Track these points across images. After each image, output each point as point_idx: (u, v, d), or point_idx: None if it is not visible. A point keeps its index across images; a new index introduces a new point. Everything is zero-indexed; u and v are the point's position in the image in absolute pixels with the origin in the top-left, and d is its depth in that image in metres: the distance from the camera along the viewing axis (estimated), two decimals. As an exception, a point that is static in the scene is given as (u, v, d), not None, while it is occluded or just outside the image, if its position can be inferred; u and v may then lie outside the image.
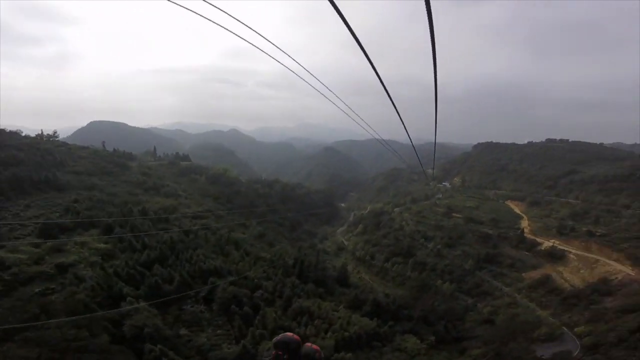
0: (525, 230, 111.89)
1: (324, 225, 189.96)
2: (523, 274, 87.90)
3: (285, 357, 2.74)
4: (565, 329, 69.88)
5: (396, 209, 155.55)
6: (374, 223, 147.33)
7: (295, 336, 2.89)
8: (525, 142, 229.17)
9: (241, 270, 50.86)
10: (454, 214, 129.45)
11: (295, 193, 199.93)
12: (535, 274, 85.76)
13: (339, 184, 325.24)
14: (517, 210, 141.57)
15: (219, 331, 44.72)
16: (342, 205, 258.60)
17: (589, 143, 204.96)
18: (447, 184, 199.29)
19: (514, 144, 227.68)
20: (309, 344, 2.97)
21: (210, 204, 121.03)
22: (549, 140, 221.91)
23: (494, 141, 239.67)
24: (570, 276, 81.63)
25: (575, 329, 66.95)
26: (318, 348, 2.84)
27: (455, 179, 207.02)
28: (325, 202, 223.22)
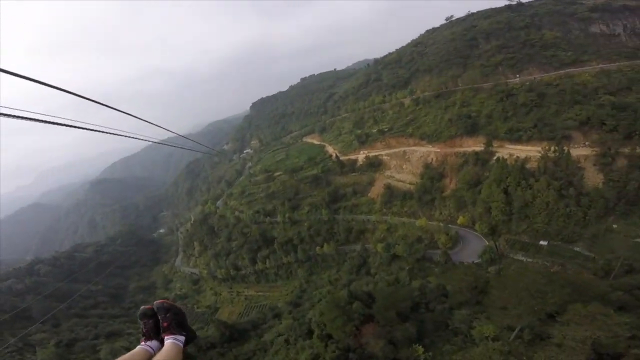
0: (336, 154, 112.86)
1: (155, 267, 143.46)
2: (369, 195, 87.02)
3: (150, 322, 3.09)
4: (452, 226, 71.38)
5: (218, 203, 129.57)
6: (207, 232, 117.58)
7: (148, 306, 3.21)
8: (287, 87, 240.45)
9: None
10: (275, 174, 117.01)
11: (76, 260, 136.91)
12: (376, 190, 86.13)
13: (140, 213, 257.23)
14: (316, 142, 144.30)
15: None
16: (161, 231, 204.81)
17: (329, 71, 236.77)
18: (248, 150, 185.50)
19: (280, 92, 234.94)
20: (158, 301, 3.29)
21: None
22: (303, 79, 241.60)
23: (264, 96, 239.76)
24: (401, 175, 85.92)
25: (458, 222, 69.08)
26: (164, 299, 3.23)
27: (252, 142, 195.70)
28: (134, 242, 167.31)
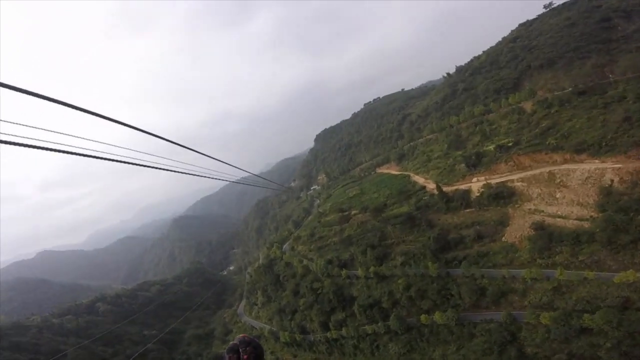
0: (430, 185, 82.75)
1: (218, 311, 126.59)
2: (503, 239, 54.63)
3: (235, 356, 3.29)
4: None
5: (285, 247, 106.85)
6: (272, 281, 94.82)
7: (235, 341, 3.44)
8: (351, 115, 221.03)
9: None
10: (352, 214, 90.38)
11: (138, 300, 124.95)
12: (516, 231, 53.41)
13: (213, 249, 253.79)
14: (394, 172, 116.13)
15: None
16: (231, 268, 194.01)
17: (397, 92, 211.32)
18: (315, 186, 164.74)
19: (343, 121, 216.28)
20: (240, 335, 3.55)
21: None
22: (366, 105, 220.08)
23: (327, 127, 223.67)
24: (556, 208, 52.34)
25: None
26: (244, 334, 3.48)
27: (319, 177, 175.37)
28: (200, 281, 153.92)
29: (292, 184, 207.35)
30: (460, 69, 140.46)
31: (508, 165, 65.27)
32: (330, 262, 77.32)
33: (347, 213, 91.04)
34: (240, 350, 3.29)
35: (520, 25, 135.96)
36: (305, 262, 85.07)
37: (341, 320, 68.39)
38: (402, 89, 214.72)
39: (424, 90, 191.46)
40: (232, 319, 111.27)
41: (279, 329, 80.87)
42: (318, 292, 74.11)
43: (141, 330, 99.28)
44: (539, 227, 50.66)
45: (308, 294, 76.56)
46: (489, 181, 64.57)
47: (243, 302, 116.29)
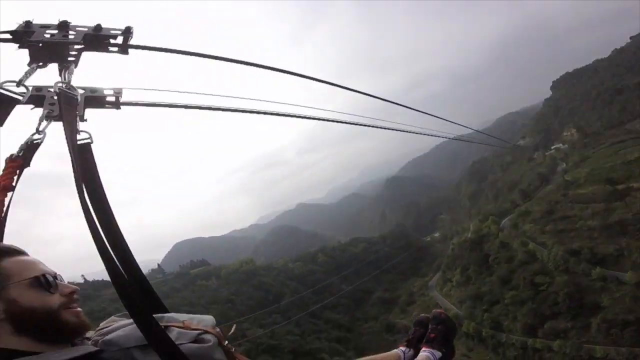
0: None
1: (411, 278, 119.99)
2: None
3: (421, 330, 2.72)
4: None
5: (503, 223, 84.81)
6: (477, 261, 79.18)
7: (427, 315, 2.82)
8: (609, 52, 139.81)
9: None
10: (630, 187, 56.36)
11: (347, 254, 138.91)
12: None
13: (420, 212, 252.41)
14: None
15: None
16: (436, 235, 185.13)
17: None
18: (560, 145, 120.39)
19: (597, 61, 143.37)
20: (436, 310, 2.91)
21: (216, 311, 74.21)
22: (634, 37, 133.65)
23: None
24: None
25: None
26: (442, 310, 2.83)
27: (565, 134, 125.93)
28: (402, 243, 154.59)
29: (521, 142, 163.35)
30: None
31: None
32: (575, 253, 54.22)
33: (620, 186, 58.77)
34: (430, 326, 2.63)
35: None
36: (531, 246, 64.31)
37: (560, 330, 48.77)
38: None
39: None
40: (420, 290, 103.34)
41: (465, 316, 66.65)
42: (540, 289, 55.16)
43: (340, 284, 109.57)
44: None
45: (524, 287, 58.60)
46: None
47: (438, 275, 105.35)
